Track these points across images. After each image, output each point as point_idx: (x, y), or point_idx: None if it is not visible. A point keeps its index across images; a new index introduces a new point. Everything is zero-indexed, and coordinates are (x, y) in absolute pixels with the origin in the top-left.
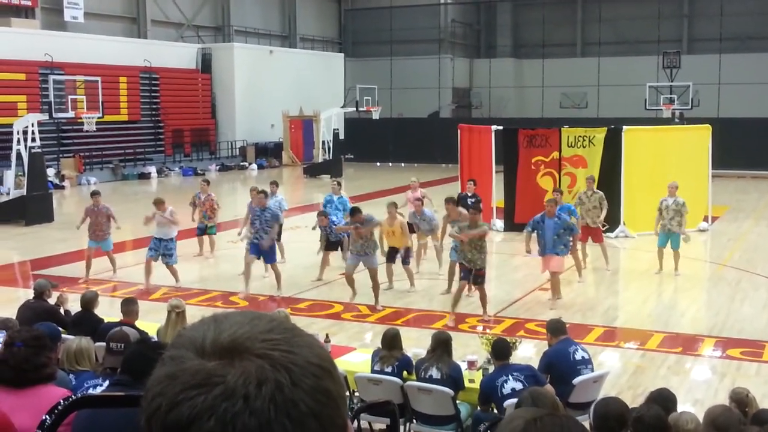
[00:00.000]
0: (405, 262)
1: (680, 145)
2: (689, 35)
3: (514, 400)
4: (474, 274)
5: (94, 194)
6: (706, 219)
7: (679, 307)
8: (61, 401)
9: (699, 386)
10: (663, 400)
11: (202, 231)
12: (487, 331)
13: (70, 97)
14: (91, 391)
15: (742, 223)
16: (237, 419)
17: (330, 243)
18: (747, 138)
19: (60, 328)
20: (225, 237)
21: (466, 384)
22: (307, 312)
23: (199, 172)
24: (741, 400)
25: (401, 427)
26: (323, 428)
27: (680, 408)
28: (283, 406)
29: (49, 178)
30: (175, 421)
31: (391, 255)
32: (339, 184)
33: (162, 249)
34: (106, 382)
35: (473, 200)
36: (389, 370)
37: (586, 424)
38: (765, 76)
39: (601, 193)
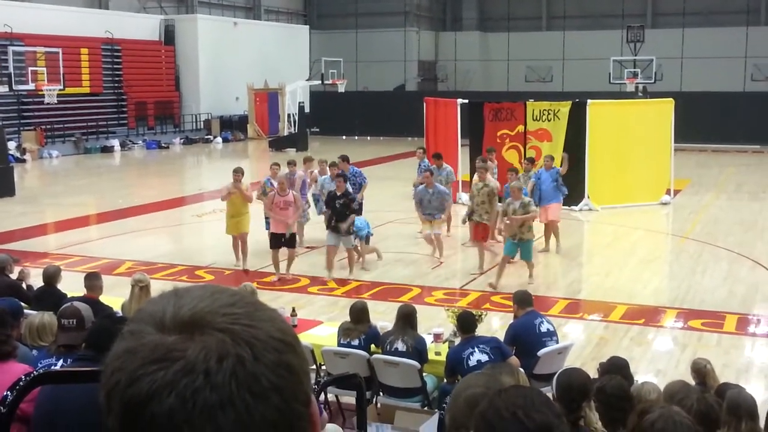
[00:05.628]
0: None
1: (643, 118)
2: (653, 9)
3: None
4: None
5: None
6: (668, 192)
7: (641, 279)
8: (23, 377)
9: (661, 357)
10: (618, 369)
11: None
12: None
13: (30, 68)
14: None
15: (704, 196)
16: (197, 395)
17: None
18: (709, 112)
19: (23, 303)
20: (196, 210)
21: (432, 357)
22: (273, 286)
23: (163, 145)
24: (699, 370)
25: (368, 400)
26: (286, 403)
27: (642, 378)
28: (245, 381)
29: (10, 152)
30: (134, 396)
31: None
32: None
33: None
34: (60, 362)
35: (341, 201)
36: (356, 343)
37: (550, 395)
38: (727, 51)
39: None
